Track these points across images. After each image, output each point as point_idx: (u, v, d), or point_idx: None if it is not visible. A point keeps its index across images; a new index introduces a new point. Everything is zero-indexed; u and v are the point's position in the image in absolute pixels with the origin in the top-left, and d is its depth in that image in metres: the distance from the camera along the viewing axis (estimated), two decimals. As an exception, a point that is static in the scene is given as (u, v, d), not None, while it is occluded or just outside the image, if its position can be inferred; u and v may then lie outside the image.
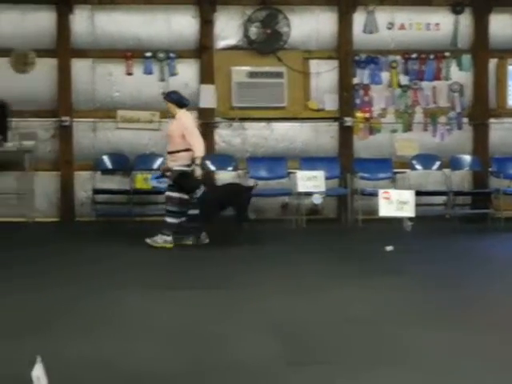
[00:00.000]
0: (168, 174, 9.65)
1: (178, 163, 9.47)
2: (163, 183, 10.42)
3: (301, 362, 4.91)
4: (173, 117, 9.70)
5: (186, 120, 9.53)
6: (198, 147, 9.39)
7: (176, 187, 9.47)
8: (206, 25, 11.90)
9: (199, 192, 9.38)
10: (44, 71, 11.83)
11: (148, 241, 9.50)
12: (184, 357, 4.99)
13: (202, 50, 11.93)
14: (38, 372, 3.23)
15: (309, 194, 11.16)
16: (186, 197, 9.51)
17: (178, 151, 9.48)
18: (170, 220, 9.51)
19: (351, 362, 4.86)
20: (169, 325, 5.82)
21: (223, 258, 8.89)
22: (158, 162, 11.90)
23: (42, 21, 11.84)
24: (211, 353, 5.07)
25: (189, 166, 9.41)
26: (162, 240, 9.48)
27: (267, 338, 5.46)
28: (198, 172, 9.41)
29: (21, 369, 3.77)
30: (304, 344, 5.30)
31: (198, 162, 9.41)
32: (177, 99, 9.63)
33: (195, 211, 9.55)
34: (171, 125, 9.71)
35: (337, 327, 5.76)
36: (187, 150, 9.39)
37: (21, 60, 11.81)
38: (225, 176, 12.01)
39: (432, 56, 12.28)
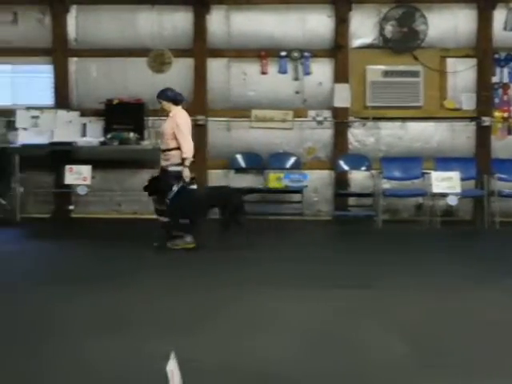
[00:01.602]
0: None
1: (169, 162, 9.64)
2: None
3: (432, 365, 4.95)
4: (167, 114, 9.79)
5: (179, 118, 9.55)
6: (187, 148, 9.43)
7: (149, 189, 9.68)
8: (342, 23, 12.35)
9: (171, 194, 9.46)
10: (180, 71, 12.53)
11: (169, 245, 9.59)
12: (312, 358, 5.16)
13: (337, 48, 12.38)
14: (172, 367, 3.33)
15: (444, 195, 11.45)
16: None
17: (170, 149, 9.58)
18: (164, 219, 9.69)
19: (488, 368, 4.82)
20: (298, 325, 6.04)
21: (356, 258, 9.19)
22: (290, 161, 12.48)
23: (179, 21, 12.57)
24: (339, 354, 5.24)
25: (180, 165, 9.50)
26: (182, 241, 9.66)
27: (396, 339, 5.58)
28: (186, 173, 9.43)
29: (159, 364, 3.87)
30: (436, 347, 5.32)
31: (186, 163, 9.43)
32: (172, 96, 9.68)
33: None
34: (165, 122, 9.77)
35: (472, 330, 5.76)
36: (179, 148, 9.52)
37: (158, 60, 12.57)
38: (358, 176, 12.48)
39: None
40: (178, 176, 9.48)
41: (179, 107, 9.76)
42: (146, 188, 9.81)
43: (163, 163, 9.70)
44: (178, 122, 9.54)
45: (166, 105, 9.72)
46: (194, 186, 9.85)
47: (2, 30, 12.61)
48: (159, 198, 9.64)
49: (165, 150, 9.69)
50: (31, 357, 5.21)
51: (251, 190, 10.54)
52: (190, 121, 9.93)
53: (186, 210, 9.54)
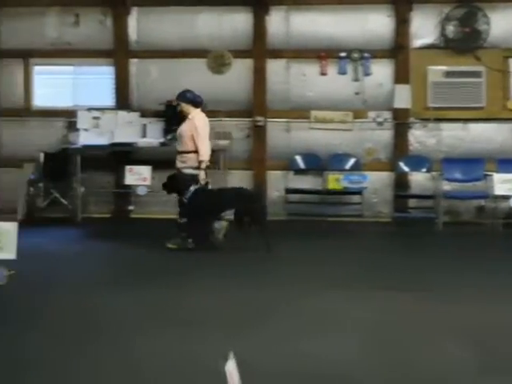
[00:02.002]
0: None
1: (186, 164, 9.75)
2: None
3: (494, 370, 4.95)
4: (186, 116, 9.86)
5: (197, 121, 9.65)
6: (204, 151, 9.54)
7: (167, 187, 9.83)
8: (402, 24, 12.38)
9: (188, 193, 9.59)
10: (240, 72, 12.69)
11: (169, 245, 9.70)
12: (371, 359, 5.25)
13: (398, 49, 12.41)
14: (231, 367, 3.32)
15: (506, 197, 11.38)
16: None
17: (188, 152, 9.68)
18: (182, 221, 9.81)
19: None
20: (356, 326, 6.12)
21: (417, 261, 9.21)
22: (350, 163, 12.54)
23: (239, 22, 12.72)
24: (399, 357, 5.32)
25: (196, 168, 9.63)
26: (182, 242, 9.70)
27: (457, 343, 5.59)
28: (202, 176, 9.58)
29: (215, 365, 3.90)
30: (498, 352, 5.32)
31: (202, 165, 9.58)
32: (192, 99, 9.76)
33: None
34: (184, 124, 9.83)
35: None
36: (196, 151, 9.62)
37: (217, 61, 12.74)
38: (418, 177, 12.49)
39: None
40: (193, 179, 9.63)
41: (198, 110, 9.86)
42: (164, 186, 10.00)
43: (179, 165, 9.82)
44: (197, 124, 9.64)
45: (186, 107, 9.81)
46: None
47: (64, 32, 12.91)
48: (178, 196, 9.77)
49: (182, 152, 9.79)
50: (81, 356, 5.35)
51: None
52: (208, 124, 10.06)
53: (201, 211, 9.63)
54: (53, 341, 5.78)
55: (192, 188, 9.58)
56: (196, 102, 9.81)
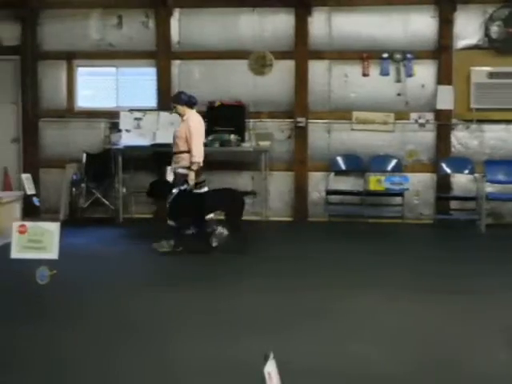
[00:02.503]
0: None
1: (180, 165, 9.87)
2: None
3: None
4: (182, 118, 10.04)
5: (191, 122, 9.80)
6: (195, 152, 9.68)
7: (149, 193, 9.98)
8: (446, 24, 12.40)
9: (170, 197, 9.70)
10: (281, 73, 12.80)
11: (155, 245, 9.83)
12: (414, 361, 5.33)
13: (441, 50, 12.44)
14: (270, 369, 3.32)
15: (550, 199, 11.42)
16: None
17: (181, 152, 9.82)
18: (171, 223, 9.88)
19: None
20: (400, 328, 6.22)
21: (460, 263, 9.24)
22: (391, 164, 12.59)
23: (281, 23, 12.82)
24: (445, 358, 5.37)
25: (188, 168, 9.73)
26: (168, 244, 9.80)
27: (503, 345, 5.66)
28: (191, 177, 9.67)
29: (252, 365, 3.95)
30: None
31: (193, 167, 9.69)
32: (186, 100, 9.92)
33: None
34: (180, 126, 10.02)
35: None
36: (189, 152, 9.75)
37: (259, 62, 12.87)
38: (461, 179, 12.51)
39: None
40: (186, 179, 9.75)
41: (193, 111, 10.03)
42: (148, 194, 10.23)
43: (174, 165, 10.00)
44: (191, 124, 9.79)
45: (181, 108, 9.96)
46: (205, 189, 10.11)
47: (107, 34, 13.13)
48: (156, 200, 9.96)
49: (176, 153, 9.94)
50: (117, 355, 5.48)
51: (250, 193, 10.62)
52: (203, 124, 10.22)
53: (185, 213, 9.75)
54: (90, 340, 5.92)
55: (175, 190, 9.72)
56: (190, 103, 9.96)
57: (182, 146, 9.81)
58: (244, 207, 10.00)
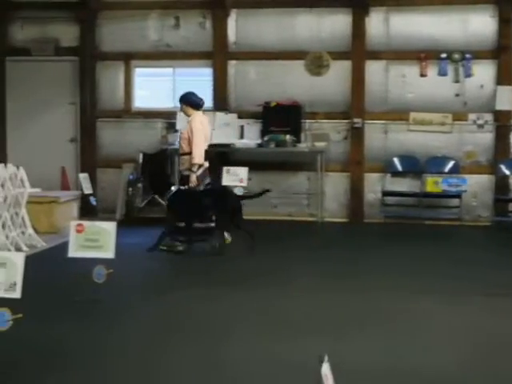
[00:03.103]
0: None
1: (184, 166, 9.91)
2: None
3: None
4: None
5: (194, 123, 9.80)
6: (196, 153, 9.66)
7: (147, 188, 9.95)
8: (505, 24, 12.32)
9: (169, 193, 9.71)
10: (338, 73, 12.86)
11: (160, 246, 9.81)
12: (473, 363, 5.33)
13: (500, 50, 12.38)
14: (326, 371, 3.34)
15: None
16: None
17: (185, 154, 9.88)
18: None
19: None
20: (456, 330, 6.20)
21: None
22: (449, 165, 12.56)
23: (338, 23, 12.88)
24: (501, 362, 5.36)
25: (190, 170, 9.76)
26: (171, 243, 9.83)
27: None
28: (193, 178, 9.71)
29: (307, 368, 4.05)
30: None
31: (194, 168, 9.71)
32: (192, 101, 9.97)
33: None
34: (187, 127, 10.01)
35: None
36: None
37: (316, 63, 12.94)
38: (519, 181, 12.44)
39: None
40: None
41: (199, 112, 10.05)
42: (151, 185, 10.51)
43: (180, 167, 10.15)
44: (193, 125, 9.81)
45: (186, 109, 10.04)
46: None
47: (165, 34, 13.33)
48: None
49: (181, 154, 10.08)
50: (166, 355, 5.54)
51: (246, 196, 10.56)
52: (207, 126, 10.24)
53: (182, 212, 9.80)
54: (143, 340, 5.99)
55: (173, 188, 9.81)
56: (196, 104, 10.01)
57: (186, 148, 9.89)
58: (239, 208, 9.92)
